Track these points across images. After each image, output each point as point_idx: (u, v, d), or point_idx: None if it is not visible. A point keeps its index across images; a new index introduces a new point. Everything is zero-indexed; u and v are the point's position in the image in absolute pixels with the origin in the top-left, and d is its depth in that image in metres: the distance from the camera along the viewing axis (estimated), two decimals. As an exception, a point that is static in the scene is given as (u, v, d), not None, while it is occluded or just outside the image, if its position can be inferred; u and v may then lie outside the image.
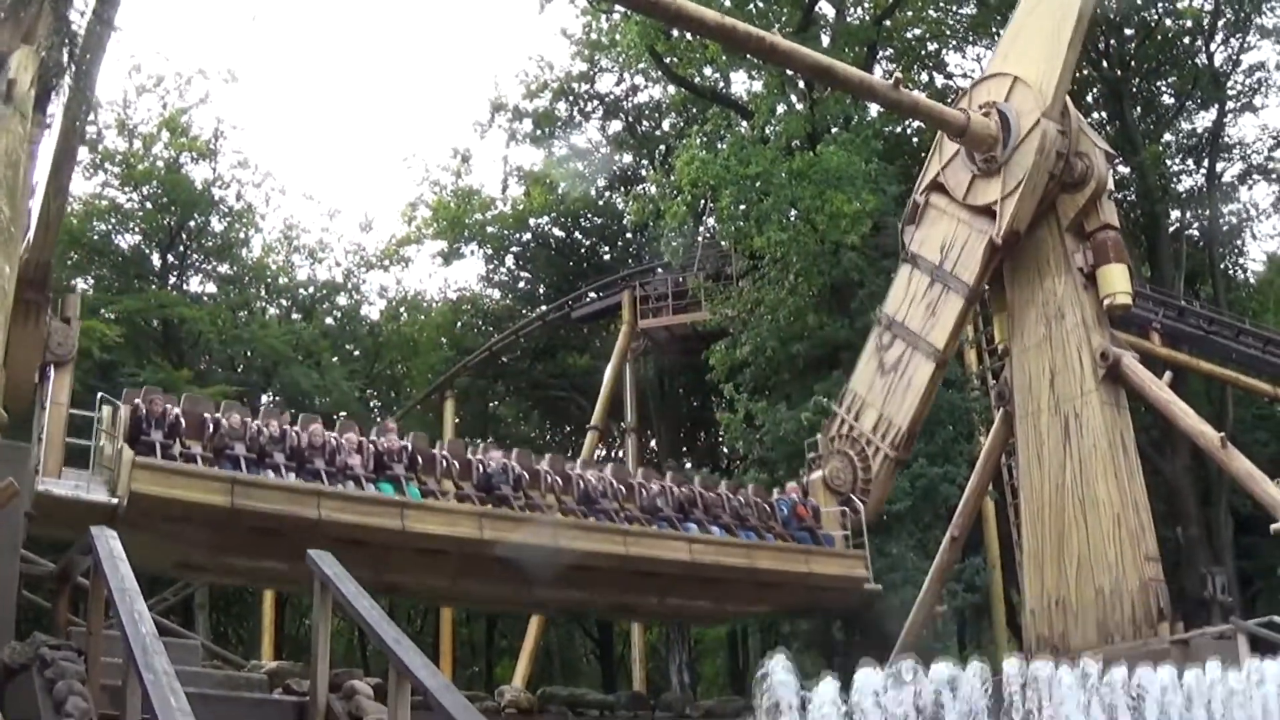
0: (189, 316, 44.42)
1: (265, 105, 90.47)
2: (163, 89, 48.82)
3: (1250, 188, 52.40)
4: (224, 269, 51.83)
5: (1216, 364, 40.75)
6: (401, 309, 59.18)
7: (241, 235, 52.16)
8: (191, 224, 49.21)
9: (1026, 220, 23.22)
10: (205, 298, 50.07)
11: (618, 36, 43.53)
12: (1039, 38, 23.69)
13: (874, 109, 35.95)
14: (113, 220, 47.73)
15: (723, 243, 41.16)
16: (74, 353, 17.98)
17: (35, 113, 14.86)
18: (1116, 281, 22.65)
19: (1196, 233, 50.63)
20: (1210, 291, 49.17)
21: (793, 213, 33.71)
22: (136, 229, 48.79)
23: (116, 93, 50.46)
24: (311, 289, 55.48)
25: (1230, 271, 53.40)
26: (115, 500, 16.79)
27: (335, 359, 52.47)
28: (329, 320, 55.24)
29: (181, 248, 49.61)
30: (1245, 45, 48.18)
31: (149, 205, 47.86)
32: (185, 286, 49.93)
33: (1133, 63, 47.65)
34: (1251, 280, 55.63)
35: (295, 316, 53.65)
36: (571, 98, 54.22)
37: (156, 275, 48.49)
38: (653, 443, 49.06)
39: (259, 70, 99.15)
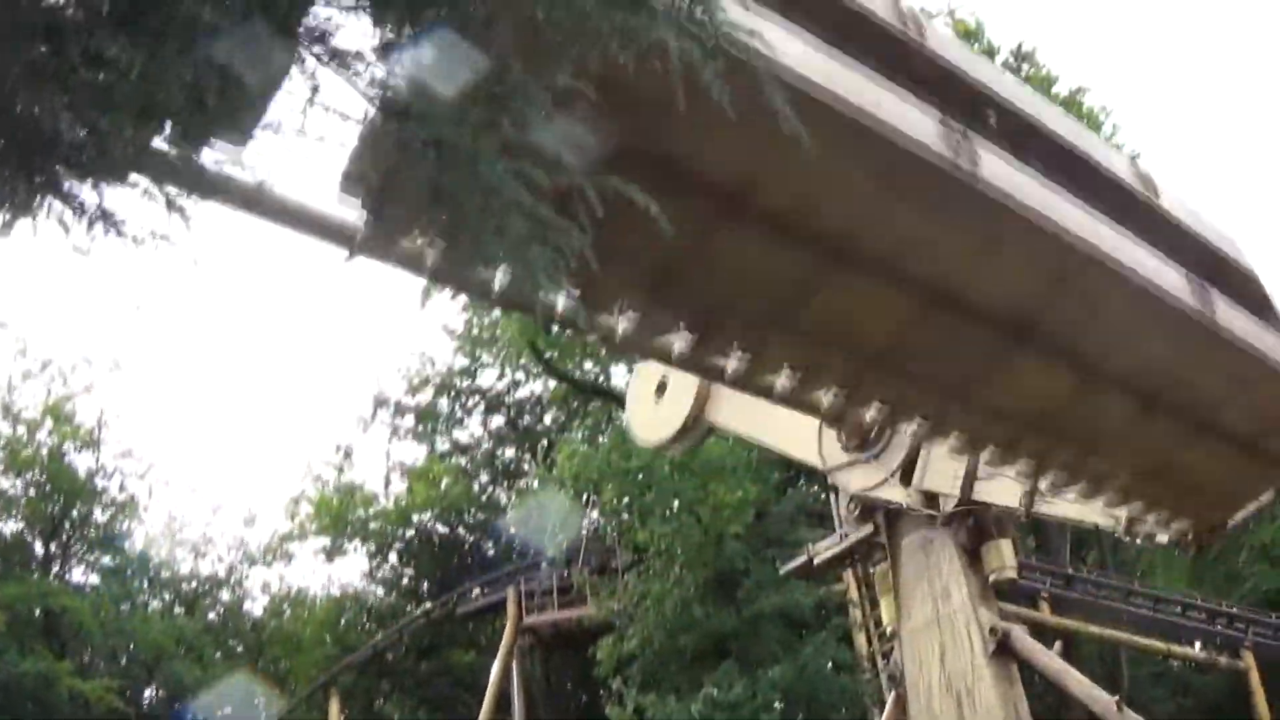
0: (71, 607, 43.39)
1: (150, 395, 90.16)
2: (47, 375, 48.78)
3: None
4: (107, 560, 50.85)
5: (1108, 627, 40.97)
6: (285, 605, 57.95)
7: (125, 526, 51.50)
8: (75, 513, 48.52)
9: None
10: (88, 588, 48.90)
11: (499, 332, 44.27)
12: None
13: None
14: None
15: (606, 537, 41.08)
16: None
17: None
18: (1001, 556, 22.79)
19: (1081, 497, 51.47)
20: (1097, 556, 49.78)
21: (676, 504, 33.82)
22: (19, 516, 47.88)
23: (0, 377, 50.30)
24: (194, 583, 54.56)
25: (1115, 535, 54.16)
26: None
27: (218, 654, 51.11)
28: (211, 615, 54.05)
29: (64, 537, 48.75)
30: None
31: (32, 492, 47.18)
32: (68, 576, 48.93)
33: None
34: (1138, 541, 56.45)
35: (178, 610, 52.57)
36: (453, 393, 54.62)
37: (39, 564, 47.49)
38: (542, 741, 47.76)
39: (144, 359, 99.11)
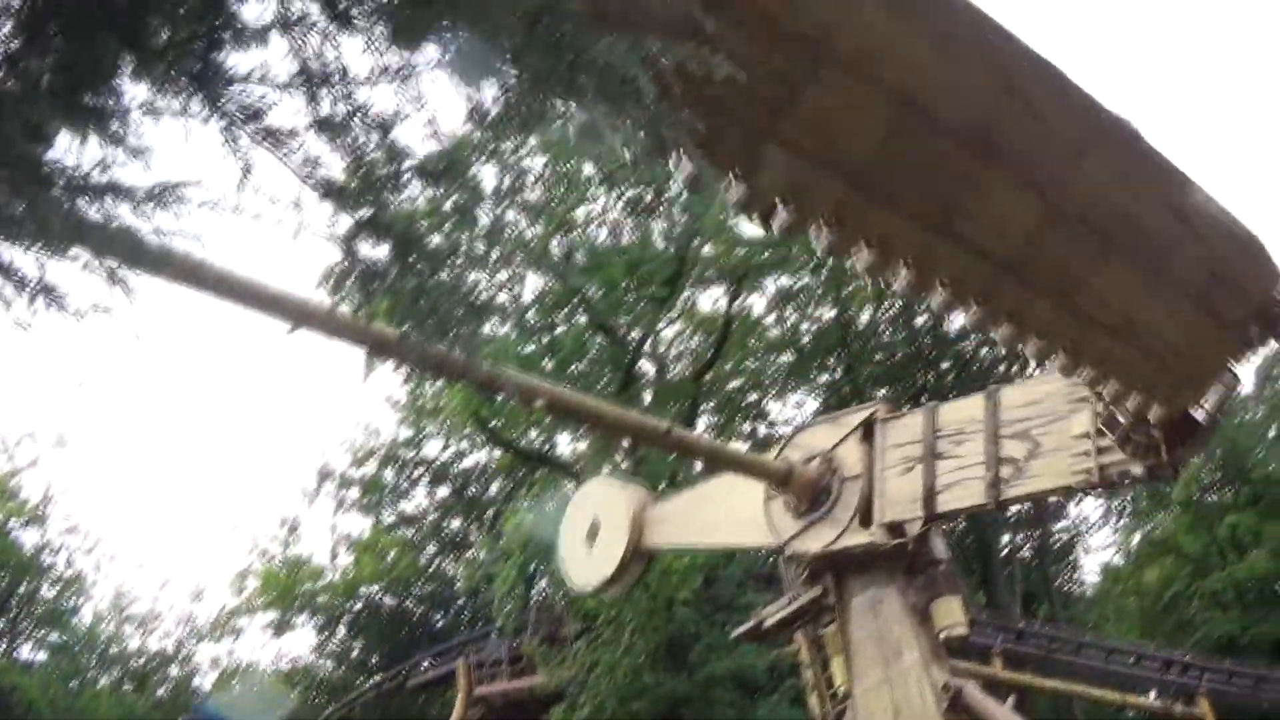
0: (20, 684, 42.85)
1: (95, 470, 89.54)
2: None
3: (1078, 503, 54.15)
4: (55, 636, 50.27)
5: (1061, 680, 41.06)
6: (234, 680, 57.27)
7: (72, 602, 51.05)
8: (21, 590, 47.97)
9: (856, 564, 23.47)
10: (36, 665, 48.31)
11: (442, 403, 44.17)
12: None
13: (699, 464, 36.68)
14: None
15: (555, 605, 40.90)
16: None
17: None
18: (952, 613, 22.75)
19: (1029, 553, 51.80)
20: (1047, 610, 50.03)
21: (625, 570, 33.73)
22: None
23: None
24: (143, 659, 54.07)
25: (1066, 588, 54.50)
26: None
27: (169, 731, 50.61)
28: (161, 691, 53.48)
29: (11, 613, 48.18)
30: (1063, 363, 50.45)
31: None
32: (16, 653, 48.29)
33: (952, 394, 49.52)
34: (1088, 593, 56.81)
35: (127, 687, 52.03)
36: (398, 464, 54.46)
37: (-15, 641, 46.90)
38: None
39: (89, 434, 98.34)
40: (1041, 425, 17.15)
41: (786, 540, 23.90)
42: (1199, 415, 14.18)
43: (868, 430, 22.28)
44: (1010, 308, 10.38)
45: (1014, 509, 51.91)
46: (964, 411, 18.89)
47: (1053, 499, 50.11)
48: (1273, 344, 12.62)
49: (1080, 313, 10.84)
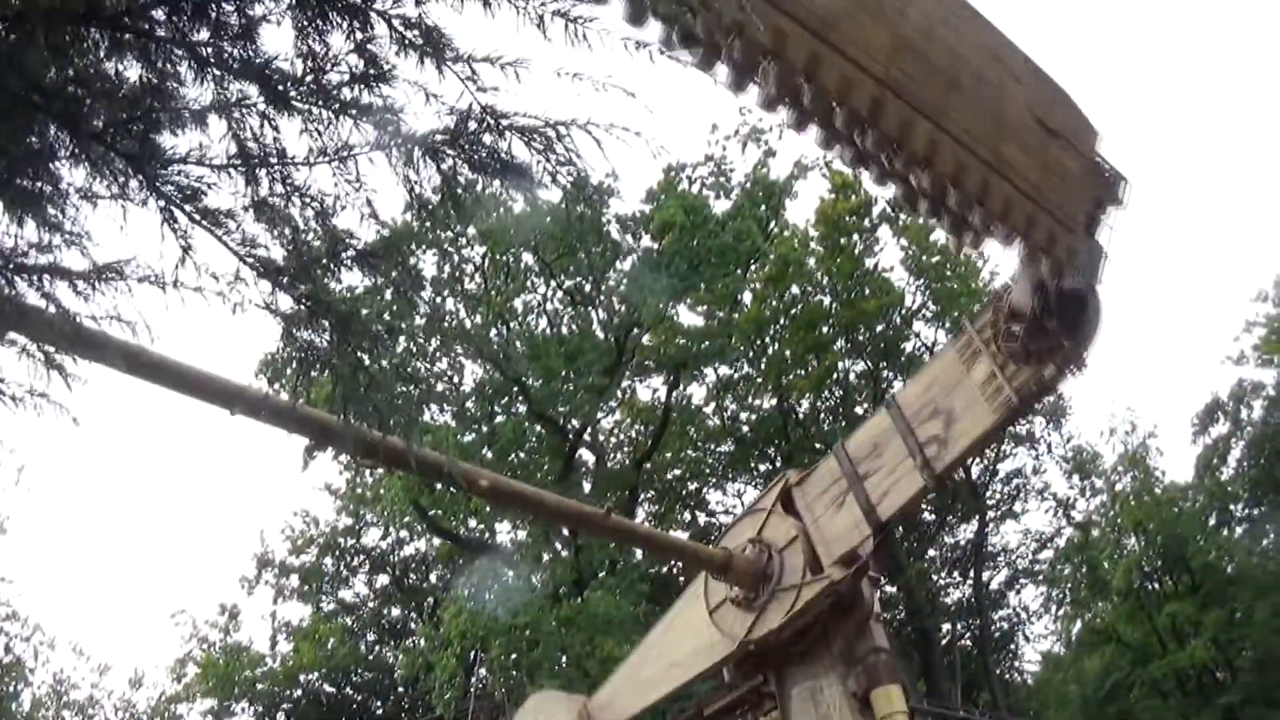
0: (-45, 773, 42.00)
1: (32, 556, 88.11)
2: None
3: (1018, 591, 54.28)
4: (-9, 724, 49.34)
5: (1004, 769, 40.99)
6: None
7: (11, 689, 50.08)
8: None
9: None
10: (-27, 753, 47.36)
11: (382, 491, 43.92)
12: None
13: (639, 552, 36.60)
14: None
15: (496, 693, 40.52)
16: None
17: None
18: (892, 702, 22.63)
19: (969, 642, 51.80)
20: (988, 698, 49.91)
21: (564, 660, 33.54)
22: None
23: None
24: (87, 747, 53.10)
25: (1007, 676, 54.47)
26: None
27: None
28: (101, 779, 52.61)
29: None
30: (1001, 454, 50.88)
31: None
32: (-47, 740, 47.33)
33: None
34: (1029, 681, 56.76)
35: (67, 774, 51.03)
36: (338, 552, 54.09)
37: (-78, 728, 45.95)
38: None
39: (25, 520, 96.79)
40: (946, 396, 17.44)
41: (746, 635, 23.66)
42: (1081, 290, 14.68)
43: (787, 500, 22.35)
44: (895, 129, 10.79)
45: (954, 596, 52.15)
46: (871, 431, 19.18)
47: (990, 448, 50.19)
48: (1116, 208, 13.30)
49: (959, 140, 11.28)
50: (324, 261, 4.99)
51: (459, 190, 4.78)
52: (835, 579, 21.06)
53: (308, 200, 4.87)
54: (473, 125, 4.66)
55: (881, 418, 19.49)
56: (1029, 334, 15.12)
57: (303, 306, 5.03)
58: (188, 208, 4.88)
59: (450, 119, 4.71)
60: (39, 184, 4.81)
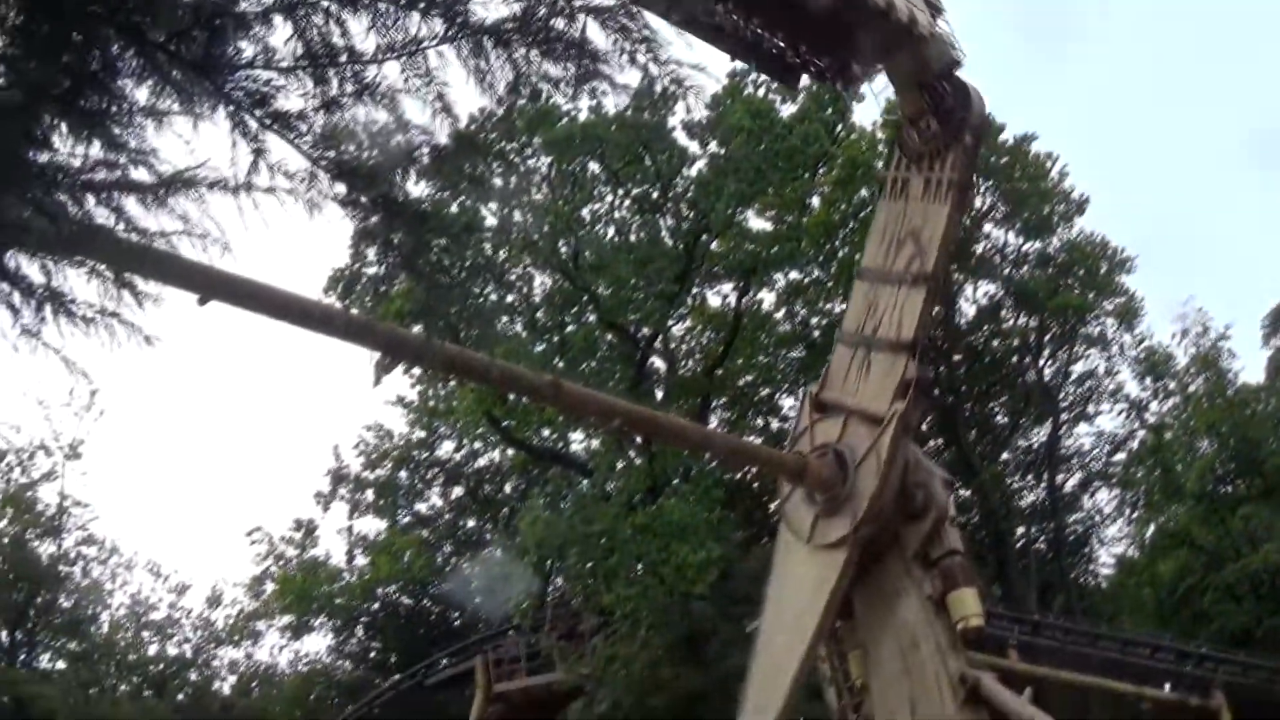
0: (40, 694, 42.82)
1: (109, 479, 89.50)
2: (4, 465, 48.69)
3: (1092, 495, 53.92)
4: (74, 646, 50.33)
5: (1077, 672, 40.83)
6: (253, 683, 57.40)
7: (89, 612, 51.07)
8: (39, 601, 48.09)
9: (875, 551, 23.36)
10: (55, 675, 48.31)
11: (454, 403, 44.17)
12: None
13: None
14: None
15: (572, 601, 40.88)
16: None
17: None
18: (968, 605, 22.69)
19: (1044, 546, 51.63)
20: (1064, 601, 49.79)
21: (640, 567, 33.74)
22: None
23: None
24: (162, 665, 54.09)
25: (1081, 580, 54.27)
26: None
27: (189, 735, 50.70)
28: (180, 696, 53.53)
29: (30, 624, 48.27)
30: (1073, 356, 50.40)
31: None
32: (35, 664, 48.38)
33: (964, 387, 49.44)
34: (1103, 585, 56.53)
35: (147, 693, 51.98)
36: (412, 465, 54.56)
37: (5, 653, 47.15)
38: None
39: (102, 443, 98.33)
40: (900, 224, 19.69)
41: (855, 525, 23.47)
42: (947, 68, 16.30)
43: (819, 408, 22.65)
44: None
45: (1029, 499, 51.91)
46: (857, 299, 20.78)
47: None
48: None
49: None
50: (399, 160, 4.91)
51: (531, 83, 4.68)
52: (900, 409, 21.19)
53: (379, 98, 4.78)
54: (543, 10, 4.53)
55: (858, 285, 20.15)
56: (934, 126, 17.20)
57: (379, 207, 4.96)
58: (258, 112, 4.81)
59: (519, 4, 4.60)
60: (104, 103, 4.75)
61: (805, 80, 19.28)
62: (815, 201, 44.62)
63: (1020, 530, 50.93)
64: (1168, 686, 41.59)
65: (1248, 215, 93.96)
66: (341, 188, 4.96)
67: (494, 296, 37.91)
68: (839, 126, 43.00)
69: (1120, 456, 53.12)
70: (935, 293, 20.34)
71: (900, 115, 19.46)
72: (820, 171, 43.44)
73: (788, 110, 40.92)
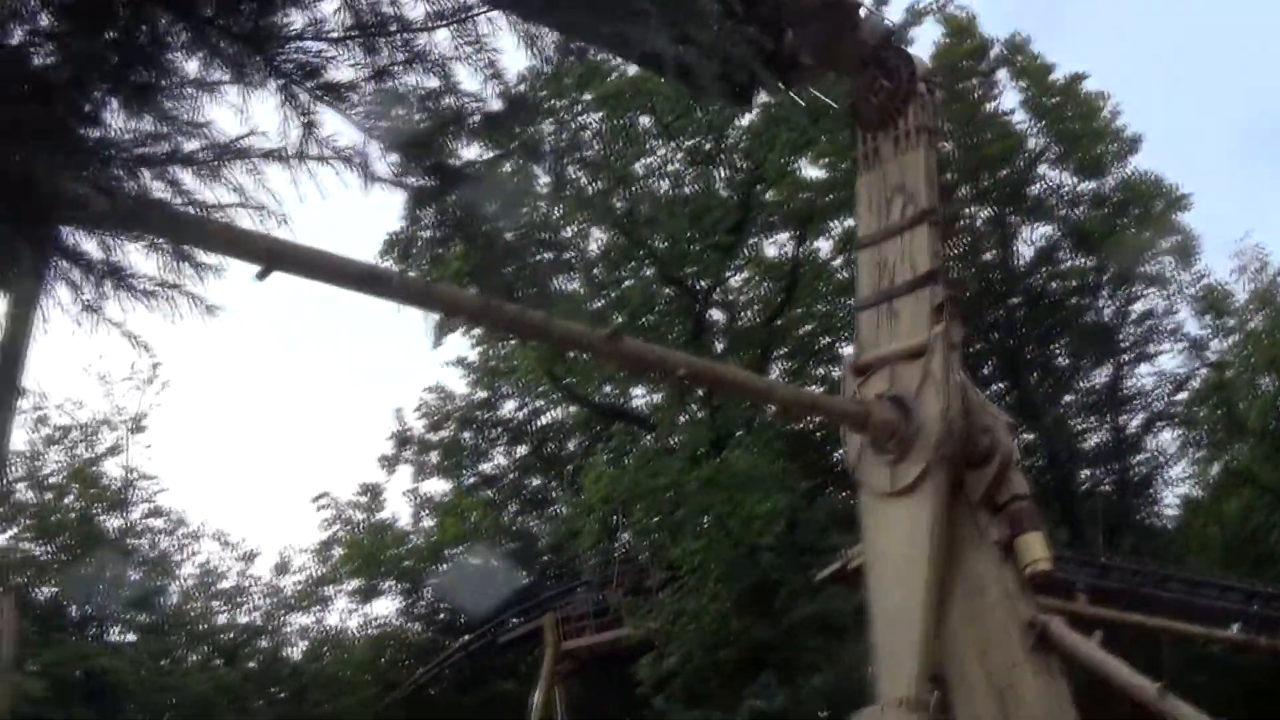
0: (111, 667, 43.40)
1: (174, 450, 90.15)
2: (69, 440, 48.89)
3: (1156, 435, 53.33)
4: (143, 618, 50.90)
5: (1146, 614, 40.61)
6: (324, 648, 57.84)
7: (158, 583, 51.57)
8: (107, 574, 48.67)
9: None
10: (126, 647, 48.93)
11: (515, 362, 44.35)
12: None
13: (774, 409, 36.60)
14: (28, 573, 46.89)
15: (639, 556, 41.06)
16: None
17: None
18: (1034, 549, 22.47)
19: (1109, 488, 51.23)
20: (1131, 543, 49.43)
21: (706, 520, 33.81)
22: (52, 581, 47.83)
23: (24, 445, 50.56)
24: (232, 633, 54.64)
25: (1147, 522, 53.82)
26: None
27: (261, 702, 51.46)
28: (251, 664, 54.14)
29: (99, 598, 48.87)
30: (1132, 296, 49.84)
31: (63, 557, 47.20)
32: (105, 637, 48.94)
33: (1023, 329, 49.04)
34: (1169, 526, 56.00)
35: (217, 661, 52.58)
36: (475, 426, 54.80)
37: (75, 626, 47.52)
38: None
39: (165, 416, 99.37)
40: (884, 186, 19.93)
41: (917, 474, 23.28)
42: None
43: (861, 372, 22.60)
44: None
45: (1092, 441, 51.46)
46: (865, 270, 20.62)
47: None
48: None
49: None
50: (451, 128, 4.90)
51: (580, 43, 4.66)
52: (940, 329, 21.18)
53: (429, 65, 4.76)
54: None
55: (862, 256, 20.25)
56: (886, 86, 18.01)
57: (431, 174, 4.95)
58: (309, 84, 4.80)
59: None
60: (154, 76, 4.76)
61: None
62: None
63: (1085, 473, 50.53)
64: (1236, 627, 41.29)
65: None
66: (395, 157, 4.96)
67: (549, 255, 37.94)
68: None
69: (1182, 395, 52.51)
70: (938, 224, 20.38)
71: (852, 95, 19.73)
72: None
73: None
